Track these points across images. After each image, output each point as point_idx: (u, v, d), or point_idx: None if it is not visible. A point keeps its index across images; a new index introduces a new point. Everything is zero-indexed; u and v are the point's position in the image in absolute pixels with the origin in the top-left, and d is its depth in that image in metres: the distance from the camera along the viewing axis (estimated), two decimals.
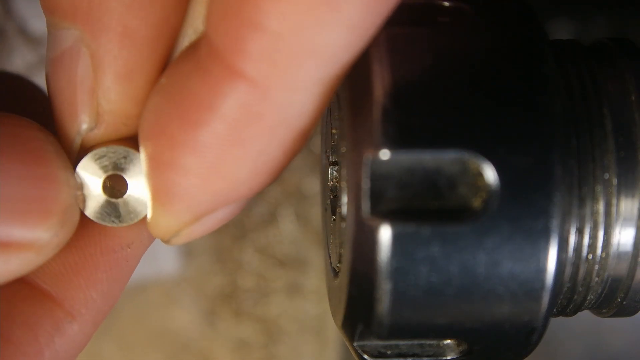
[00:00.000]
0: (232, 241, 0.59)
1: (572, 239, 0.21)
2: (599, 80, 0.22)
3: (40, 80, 0.23)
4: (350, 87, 0.20)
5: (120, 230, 0.22)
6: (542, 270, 0.19)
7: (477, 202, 0.19)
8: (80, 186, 0.21)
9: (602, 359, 0.45)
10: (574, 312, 0.24)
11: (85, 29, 0.20)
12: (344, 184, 0.21)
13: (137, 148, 0.21)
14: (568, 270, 0.22)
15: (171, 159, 0.19)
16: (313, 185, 0.58)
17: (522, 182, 0.19)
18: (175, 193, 0.20)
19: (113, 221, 0.22)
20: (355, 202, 0.19)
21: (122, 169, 0.21)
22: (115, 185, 0.22)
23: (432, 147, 0.19)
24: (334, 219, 0.24)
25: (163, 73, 0.20)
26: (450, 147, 0.19)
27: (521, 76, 0.20)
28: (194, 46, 0.20)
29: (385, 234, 0.19)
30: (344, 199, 0.21)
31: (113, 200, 0.21)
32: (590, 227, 0.21)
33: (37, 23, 0.51)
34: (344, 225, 0.21)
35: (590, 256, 0.22)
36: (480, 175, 0.19)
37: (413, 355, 0.21)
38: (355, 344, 0.21)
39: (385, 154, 0.19)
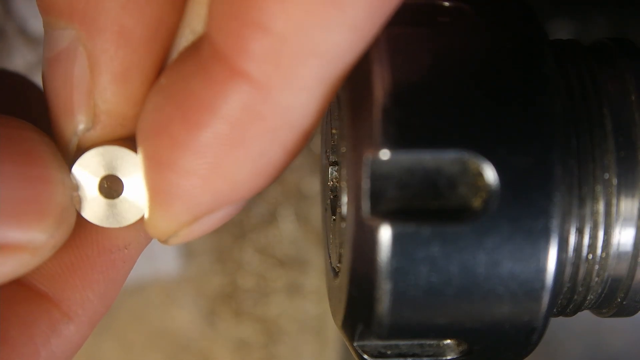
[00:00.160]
0: (232, 241, 0.59)
1: (572, 239, 0.21)
2: (599, 80, 0.22)
3: (39, 80, 0.23)
4: (350, 87, 0.20)
5: (117, 231, 0.22)
6: (542, 270, 0.19)
7: (477, 202, 0.19)
8: (76, 187, 0.21)
9: (602, 359, 0.45)
10: (574, 312, 0.24)
11: (81, 29, 0.20)
12: (344, 184, 0.21)
13: (133, 149, 0.21)
14: (568, 270, 0.22)
15: (171, 159, 0.19)
16: (313, 185, 0.58)
17: (522, 182, 0.19)
18: (174, 193, 0.19)
19: (109, 222, 0.22)
20: (355, 202, 0.19)
21: (119, 170, 0.21)
22: (111, 186, 0.21)
23: (432, 147, 0.19)
24: (334, 219, 0.24)
25: (162, 73, 0.20)
26: (450, 147, 0.19)
27: (521, 76, 0.20)
28: (195, 47, 0.20)
29: (385, 234, 0.19)
30: (344, 199, 0.21)
31: (109, 201, 0.21)
32: (590, 227, 0.21)
33: (37, 23, 0.51)
34: (344, 225, 0.21)
35: (590, 256, 0.22)
36: (480, 175, 0.19)
37: (413, 355, 0.21)
38: (355, 344, 0.21)
39: (385, 154, 0.19)
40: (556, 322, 0.24)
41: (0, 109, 0.22)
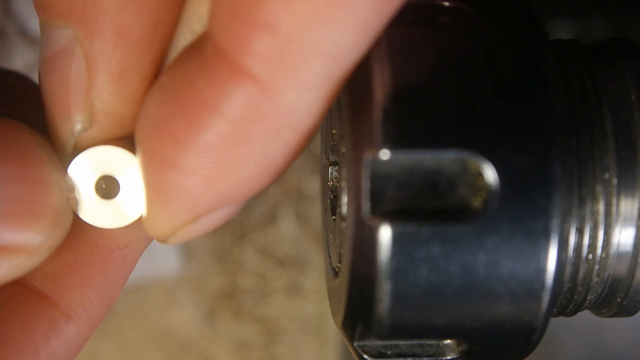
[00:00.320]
0: (232, 241, 0.59)
1: (572, 239, 0.21)
2: (599, 80, 0.22)
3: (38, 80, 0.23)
4: (351, 87, 0.20)
5: (117, 231, 0.22)
6: (542, 270, 0.19)
7: (477, 202, 0.19)
8: (72, 188, 0.21)
9: (602, 359, 0.45)
10: (574, 312, 0.24)
11: (79, 28, 0.20)
12: (344, 184, 0.21)
13: (130, 149, 0.21)
14: (568, 270, 0.22)
15: (173, 158, 0.19)
16: (313, 185, 0.58)
17: (522, 182, 0.19)
18: (175, 192, 0.19)
19: (107, 222, 0.21)
20: (355, 202, 0.19)
21: (115, 170, 0.21)
22: (108, 186, 0.21)
23: (432, 147, 0.19)
24: (334, 219, 0.24)
25: (163, 72, 0.20)
26: (450, 147, 0.19)
27: (521, 76, 0.20)
28: (196, 46, 0.19)
29: (385, 234, 0.19)
30: (344, 199, 0.21)
31: (106, 201, 0.21)
32: (590, 227, 0.21)
33: (37, 23, 0.51)
34: (344, 225, 0.21)
35: (590, 256, 0.22)
36: (480, 175, 0.19)
37: (413, 355, 0.21)
38: (355, 344, 0.21)
39: (385, 154, 0.19)
40: (556, 322, 0.24)
41: (1, 108, 0.22)
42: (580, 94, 0.22)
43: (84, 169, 0.21)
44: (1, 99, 0.24)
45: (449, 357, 0.21)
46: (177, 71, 0.20)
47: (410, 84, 0.19)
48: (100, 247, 0.22)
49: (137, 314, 0.60)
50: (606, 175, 0.21)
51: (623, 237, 0.21)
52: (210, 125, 0.18)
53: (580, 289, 0.22)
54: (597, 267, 0.22)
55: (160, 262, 0.59)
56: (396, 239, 0.19)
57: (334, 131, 0.24)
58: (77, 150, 0.21)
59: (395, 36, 0.19)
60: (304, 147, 0.20)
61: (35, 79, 0.22)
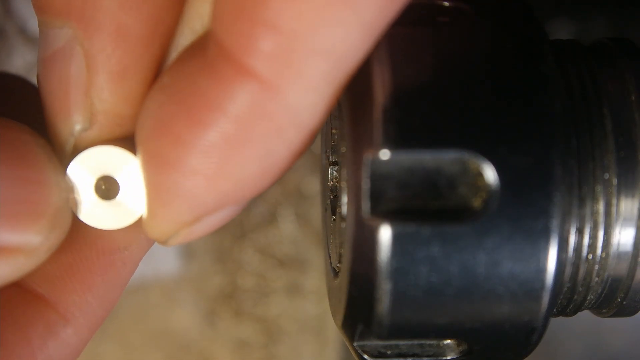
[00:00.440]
0: (232, 241, 0.59)
1: (572, 239, 0.21)
2: (599, 80, 0.22)
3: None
4: (350, 87, 0.20)
5: (117, 233, 0.22)
6: (542, 270, 0.19)
7: (477, 202, 0.19)
8: (72, 188, 0.21)
9: (602, 359, 0.45)
10: (574, 312, 0.24)
11: (79, 28, 0.20)
12: (344, 184, 0.21)
13: (130, 149, 0.21)
14: (568, 270, 0.22)
15: (175, 158, 0.19)
16: (313, 185, 0.58)
17: (522, 182, 0.19)
18: (177, 193, 0.19)
19: (106, 224, 0.21)
20: (355, 202, 0.19)
21: (115, 170, 0.21)
22: (108, 187, 0.21)
23: (432, 147, 0.19)
24: (334, 219, 0.24)
25: (164, 72, 0.20)
26: (450, 147, 0.19)
27: (521, 76, 0.20)
28: (199, 45, 0.19)
29: (385, 234, 0.19)
30: (344, 199, 0.21)
31: (106, 202, 0.21)
32: (590, 227, 0.21)
33: (37, 23, 0.51)
34: (344, 225, 0.21)
35: (590, 256, 0.22)
36: (480, 175, 0.19)
37: (413, 355, 0.21)
38: (355, 344, 0.21)
39: (385, 154, 0.19)
40: (556, 322, 0.24)
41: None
42: (580, 94, 0.22)
43: (84, 170, 0.21)
44: (0, 100, 0.24)
45: (449, 357, 0.21)
46: (178, 71, 0.19)
47: (411, 84, 0.19)
48: (99, 249, 0.22)
49: (137, 314, 0.60)
50: (606, 175, 0.21)
51: (623, 237, 0.21)
52: (213, 125, 0.18)
53: (580, 289, 0.22)
54: (597, 267, 0.22)
55: (160, 262, 0.59)
56: (396, 239, 0.19)
57: (334, 131, 0.24)
58: (77, 150, 0.21)
59: (396, 36, 0.19)
60: (307, 147, 0.19)
61: (34, 79, 0.22)
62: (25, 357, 0.21)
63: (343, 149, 0.21)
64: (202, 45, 0.19)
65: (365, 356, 0.21)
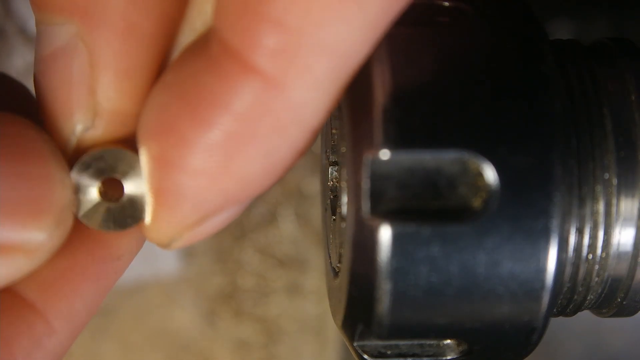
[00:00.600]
0: (232, 241, 0.59)
1: (572, 239, 0.21)
2: (599, 80, 0.22)
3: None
4: (351, 86, 0.20)
5: (113, 240, 0.21)
6: (542, 270, 0.19)
7: (477, 202, 0.19)
8: (74, 189, 0.20)
9: (602, 359, 0.45)
10: (574, 312, 0.24)
11: (83, 24, 0.19)
12: (344, 184, 0.21)
13: (134, 149, 0.20)
14: (568, 270, 0.22)
15: (179, 159, 0.19)
16: (313, 185, 0.58)
17: (522, 182, 0.19)
18: (181, 194, 0.19)
19: (108, 226, 0.21)
20: (355, 202, 0.19)
21: (120, 173, 0.20)
22: (111, 189, 0.21)
23: (432, 147, 0.19)
24: (334, 219, 0.24)
25: (166, 71, 0.20)
26: (450, 147, 0.19)
27: (521, 76, 0.20)
28: (201, 43, 0.19)
29: (385, 234, 0.19)
30: (344, 199, 0.21)
31: (109, 204, 0.21)
32: (590, 227, 0.21)
33: None
34: (344, 225, 0.21)
35: (590, 256, 0.22)
36: (480, 175, 0.19)
37: (413, 355, 0.21)
38: (355, 344, 0.21)
39: (385, 154, 0.19)
40: (556, 322, 0.24)
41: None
42: (580, 94, 0.22)
43: (87, 171, 0.20)
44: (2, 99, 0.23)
45: (449, 357, 0.21)
46: (181, 69, 0.19)
47: (411, 83, 0.19)
48: (95, 256, 0.21)
49: (137, 314, 0.60)
50: (606, 175, 0.21)
51: (623, 237, 0.21)
52: (217, 123, 0.18)
53: (580, 289, 0.22)
54: (597, 267, 0.22)
55: (160, 262, 0.59)
56: (396, 239, 0.19)
57: (334, 131, 0.24)
58: (79, 149, 0.20)
59: (396, 36, 0.19)
60: (310, 145, 0.19)
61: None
62: None
63: (343, 149, 0.21)
64: (204, 43, 0.19)
65: (365, 356, 0.21)
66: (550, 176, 0.19)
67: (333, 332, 0.59)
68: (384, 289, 0.19)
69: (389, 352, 0.22)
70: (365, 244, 0.19)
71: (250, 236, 0.59)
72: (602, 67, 0.22)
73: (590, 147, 0.21)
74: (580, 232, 0.21)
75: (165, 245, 0.21)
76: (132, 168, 0.20)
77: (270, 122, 0.18)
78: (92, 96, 0.20)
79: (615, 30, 0.43)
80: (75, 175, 0.20)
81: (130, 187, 0.21)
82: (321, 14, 0.17)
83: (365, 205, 0.19)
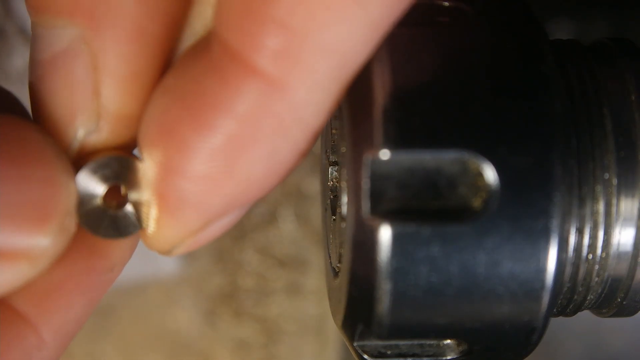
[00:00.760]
0: (232, 241, 0.59)
1: (572, 239, 0.21)
2: (599, 80, 0.22)
3: None
4: (351, 86, 0.20)
5: (108, 249, 0.21)
6: (542, 270, 0.19)
7: (477, 202, 0.19)
8: (77, 196, 0.20)
9: (602, 359, 0.45)
10: (574, 312, 0.24)
11: (89, 27, 0.19)
12: (344, 184, 0.21)
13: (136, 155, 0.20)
14: (568, 270, 0.22)
15: (181, 165, 0.18)
16: (313, 185, 0.58)
17: (522, 182, 0.19)
18: (184, 200, 0.19)
19: (110, 234, 0.20)
20: (355, 202, 0.19)
21: (124, 179, 0.20)
22: (114, 196, 0.20)
23: (432, 147, 0.19)
24: (334, 219, 0.24)
25: (167, 75, 0.20)
26: (450, 147, 0.19)
27: (521, 76, 0.20)
28: (202, 46, 0.19)
29: (385, 234, 0.19)
30: (344, 199, 0.21)
31: (112, 211, 0.20)
32: (590, 227, 0.21)
33: None
34: (344, 225, 0.21)
35: (590, 256, 0.22)
36: (480, 175, 0.19)
37: (413, 355, 0.21)
38: (355, 344, 0.21)
39: (385, 154, 0.19)
40: (556, 322, 0.24)
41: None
42: (580, 94, 0.22)
43: (92, 177, 0.20)
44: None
45: (449, 357, 0.21)
46: (182, 72, 0.19)
47: (411, 83, 0.19)
48: (90, 267, 0.21)
49: (137, 314, 0.60)
50: (606, 175, 0.21)
51: (623, 237, 0.21)
52: (220, 126, 0.18)
53: (580, 289, 0.22)
54: (597, 267, 0.22)
55: (160, 262, 0.59)
56: (396, 239, 0.19)
57: (334, 131, 0.24)
58: (82, 154, 0.20)
59: (396, 36, 0.19)
60: (311, 147, 0.19)
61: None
62: None
63: (343, 149, 0.21)
64: (205, 45, 0.19)
65: (365, 356, 0.21)
66: (550, 176, 0.19)
67: (333, 332, 0.59)
68: (384, 289, 0.19)
69: (389, 352, 0.22)
70: (365, 244, 0.19)
71: (250, 236, 0.59)
72: (602, 67, 0.22)
73: (590, 147, 0.21)
74: (580, 232, 0.21)
75: (166, 252, 0.20)
76: (136, 175, 0.20)
77: (273, 124, 0.18)
78: (95, 99, 0.19)
79: (615, 30, 0.43)
80: (80, 181, 0.20)
81: (134, 194, 0.20)
82: (325, 16, 0.17)
83: (365, 205, 0.19)
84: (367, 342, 0.21)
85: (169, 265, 0.59)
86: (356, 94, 0.20)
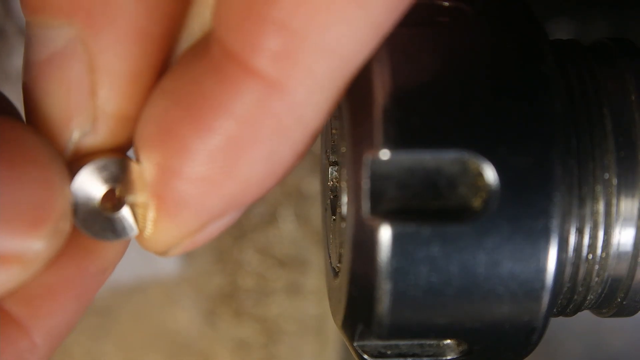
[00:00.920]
0: (232, 241, 0.59)
1: (572, 239, 0.21)
2: (599, 80, 0.22)
3: None
4: (350, 86, 0.20)
5: (100, 251, 0.21)
6: (542, 270, 0.19)
7: (477, 202, 0.19)
8: (73, 199, 0.20)
9: (602, 359, 0.45)
10: (574, 312, 0.24)
11: (86, 27, 0.19)
12: (344, 184, 0.21)
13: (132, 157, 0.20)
14: (568, 270, 0.22)
15: (179, 167, 0.18)
16: (313, 185, 0.58)
17: (522, 182, 0.19)
18: (182, 202, 0.19)
19: (106, 236, 0.20)
20: (355, 202, 0.19)
21: (121, 182, 0.20)
22: (112, 198, 0.20)
23: (432, 147, 0.19)
24: (334, 219, 0.24)
25: (165, 76, 0.19)
26: (450, 147, 0.19)
27: (521, 76, 0.20)
28: (200, 48, 0.19)
29: (385, 234, 0.19)
30: (344, 199, 0.21)
31: (108, 213, 0.20)
32: (590, 227, 0.21)
33: None
34: (344, 225, 0.21)
35: (590, 256, 0.22)
36: (480, 175, 0.19)
37: (413, 355, 0.21)
38: (355, 344, 0.21)
39: (385, 154, 0.19)
40: (556, 322, 0.24)
41: None
42: (580, 94, 0.22)
43: (90, 180, 0.20)
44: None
45: (449, 357, 0.21)
46: (180, 74, 0.19)
47: (410, 83, 0.19)
48: (82, 269, 0.20)
49: (137, 314, 0.60)
50: (606, 175, 0.21)
51: (623, 237, 0.21)
52: (218, 128, 0.18)
53: (580, 289, 0.22)
54: (597, 267, 0.22)
55: (160, 262, 0.59)
56: (396, 239, 0.19)
57: (334, 131, 0.24)
58: (77, 156, 0.20)
59: (395, 36, 0.19)
60: (309, 147, 0.19)
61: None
62: None
63: (343, 149, 0.21)
64: (203, 47, 0.19)
65: (365, 356, 0.21)
66: (550, 176, 0.19)
67: (333, 332, 0.59)
68: (384, 289, 0.19)
69: (389, 352, 0.22)
70: (365, 244, 0.19)
71: (250, 236, 0.59)
72: (602, 67, 0.22)
73: (590, 147, 0.21)
74: (580, 232, 0.21)
75: (162, 253, 0.20)
76: (133, 177, 0.20)
77: (272, 124, 0.18)
78: (91, 100, 0.19)
79: (615, 30, 0.43)
80: (77, 184, 0.20)
81: (131, 196, 0.20)
82: (326, 17, 0.17)
83: (365, 205, 0.19)
84: (367, 342, 0.21)
85: (168, 265, 0.59)
86: (356, 94, 0.20)
